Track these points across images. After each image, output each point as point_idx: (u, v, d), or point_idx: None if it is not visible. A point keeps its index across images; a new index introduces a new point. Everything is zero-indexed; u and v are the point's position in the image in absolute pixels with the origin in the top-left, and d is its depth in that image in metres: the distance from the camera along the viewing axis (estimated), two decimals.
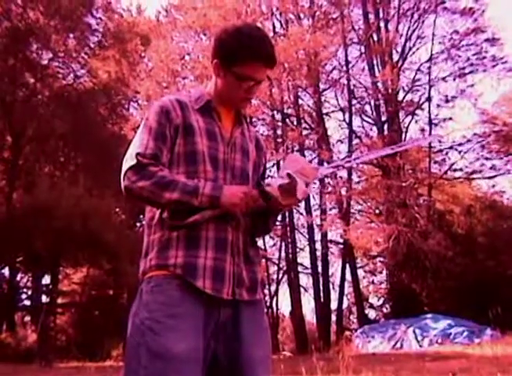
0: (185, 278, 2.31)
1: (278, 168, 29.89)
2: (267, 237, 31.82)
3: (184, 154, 2.43)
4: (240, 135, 2.59)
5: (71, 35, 30.50)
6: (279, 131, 29.85)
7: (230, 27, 2.52)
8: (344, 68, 29.69)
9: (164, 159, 2.40)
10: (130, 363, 2.29)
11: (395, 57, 29.19)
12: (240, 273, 2.41)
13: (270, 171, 30.11)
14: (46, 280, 29.45)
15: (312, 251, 29.39)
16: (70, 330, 31.69)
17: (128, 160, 2.37)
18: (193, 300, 2.30)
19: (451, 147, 29.73)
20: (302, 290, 31.04)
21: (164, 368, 2.21)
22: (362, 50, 29.86)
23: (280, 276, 34.36)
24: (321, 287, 28.87)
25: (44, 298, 29.38)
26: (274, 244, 34.71)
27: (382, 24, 29.28)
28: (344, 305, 32.30)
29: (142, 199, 2.34)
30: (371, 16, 29.42)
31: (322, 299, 28.63)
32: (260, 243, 31.95)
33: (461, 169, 30.47)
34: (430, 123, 29.25)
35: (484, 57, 28.98)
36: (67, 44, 30.33)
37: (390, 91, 27.87)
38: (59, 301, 32.11)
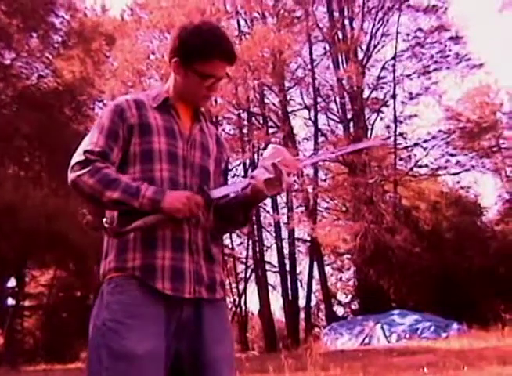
0: (145, 281, 2.30)
1: (244, 168, 29.93)
2: (234, 236, 31.85)
3: (140, 153, 2.40)
4: (199, 132, 2.57)
5: (34, 35, 30.17)
6: (245, 131, 29.85)
7: (189, 24, 2.51)
8: (309, 66, 29.77)
9: (113, 157, 2.38)
10: (92, 364, 2.27)
11: (360, 55, 29.40)
12: (199, 271, 2.39)
13: (236, 170, 30.16)
14: (12, 282, 29.14)
15: (280, 249, 29.43)
16: (38, 332, 31.43)
17: (76, 157, 2.36)
18: (154, 300, 2.28)
19: (416, 144, 30.04)
20: (270, 288, 31.08)
21: (126, 369, 2.19)
22: (327, 48, 30.01)
23: (248, 274, 34.37)
24: (289, 285, 28.92)
25: (10, 301, 29.07)
26: (241, 243, 34.72)
27: (347, 22, 29.47)
28: (313, 302, 32.44)
29: (85, 195, 2.33)
30: (336, 14, 29.57)
31: (290, 297, 28.68)
32: (227, 241, 31.94)
33: (426, 166, 30.78)
34: (395, 120, 29.51)
35: (448, 55, 29.39)
36: (30, 43, 30.00)
37: (355, 88, 28.04)
38: (26, 303, 31.81)
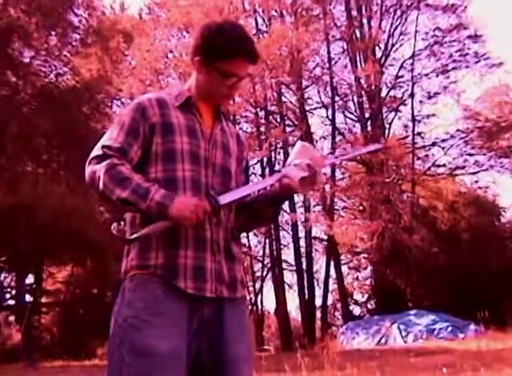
0: (167, 279, 2.30)
1: (261, 166, 29.92)
2: (251, 234, 31.84)
3: (162, 153, 2.41)
4: (220, 132, 2.57)
5: (53, 33, 30.27)
6: (262, 129, 29.82)
7: (212, 23, 2.52)
8: (327, 65, 29.70)
9: (132, 154, 2.38)
10: (113, 361, 2.28)
11: (378, 54, 29.33)
12: (221, 270, 2.40)
13: (253, 168, 30.17)
14: (30, 279, 29.32)
15: (297, 248, 29.42)
16: (55, 329, 31.58)
17: (95, 151, 2.38)
18: (176, 298, 2.29)
19: (434, 143, 29.92)
20: (287, 287, 31.07)
21: (147, 366, 2.20)
22: (345, 47, 29.95)
23: (265, 273, 34.37)
24: (305, 284, 28.89)
25: (28, 298, 29.23)
26: (258, 242, 34.75)
27: (365, 21, 29.39)
28: (329, 301, 32.39)
29: (97, 191, 2.33)
30: (354, 13, 29.49)
31: (306, 296, 28.65)
32: (244, 240, 32.08)
33: (444, 165, 30.65)
34: (413, 119, 29.42)
35: (467, 54, 29.20)
36: (49, 41, 30.11)
37: (373, 87, 27.96)
38: (44, 300, 31.95)
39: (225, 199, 2.35)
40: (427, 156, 31.03)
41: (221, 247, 2.43)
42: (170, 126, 2.43)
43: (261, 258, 34.53)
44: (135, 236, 2.28)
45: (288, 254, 32.37)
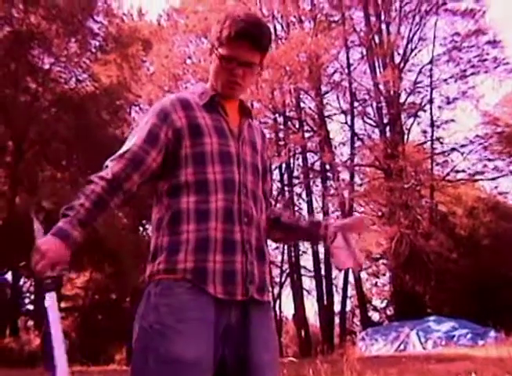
0: (196, 284, 2.26)
1: (280, 171, 29.91)
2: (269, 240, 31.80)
3: (192, 156, 2.37)
4: (248, 128, 2.55)
5: (73, 40, 30.49)
6: (281, 135, 29.85)
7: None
8: (346, 71, 29.72)
9: (149, 161, 2.37)
10: (137, 367, 2.23)
11: (397, 59, 29.30)
12: (252, 271, 2.35)
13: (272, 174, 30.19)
14: None
15: (315, 254, 29.36)
16: (73, 334, 31.65)
17: (108, 161, 2.41)
18: (204, 304, 2.25)
19: (453, 149, 29.80)
20: (305, 293, 31.06)
21: (172, 373, 2.16)
22: (364, 52, 29.93)
23: (283, 279, 34.34)
24: (324, 290, 28.84)
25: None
26: (277, 247, 34.68)
27: (383, 27, 29.36)
28: (348, 307, 32.29)
29: None
30: (372, 19, 29.47)
31: (325, 302, 28.59)
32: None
33: (463, 171, 30.52)
34: (432, 125, 29.38)
35: (486, 59, 29.11)
36: (69, 48, 30.32)
37: (392, 93, 27.91)
38: (62, 305, 32.06)
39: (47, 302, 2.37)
40: (446, 161, 30.92)
41: (253, 246, 2.39)
42: (197, 128, 2.40)
43: (279, 264, 34.49)
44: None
45: (307, 260, 32.35)
